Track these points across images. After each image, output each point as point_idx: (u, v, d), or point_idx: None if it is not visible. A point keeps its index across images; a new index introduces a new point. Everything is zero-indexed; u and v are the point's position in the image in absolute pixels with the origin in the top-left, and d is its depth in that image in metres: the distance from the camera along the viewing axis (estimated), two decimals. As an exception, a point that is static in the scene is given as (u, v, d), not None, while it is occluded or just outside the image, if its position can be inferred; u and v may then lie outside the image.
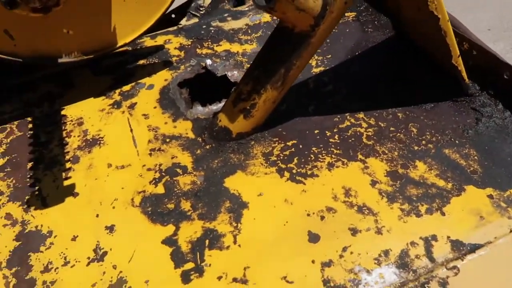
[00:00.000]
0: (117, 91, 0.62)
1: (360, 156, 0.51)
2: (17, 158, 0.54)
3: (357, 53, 0.67)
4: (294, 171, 0.50)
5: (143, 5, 0.55)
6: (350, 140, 0.54)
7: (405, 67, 0.63)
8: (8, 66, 0.63)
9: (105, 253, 0.44)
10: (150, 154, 0.53)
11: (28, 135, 0.57)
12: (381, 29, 0.71)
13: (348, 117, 0.57)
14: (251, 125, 0.52)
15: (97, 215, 0.47)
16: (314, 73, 0.64)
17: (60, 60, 0.55)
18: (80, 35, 0.54)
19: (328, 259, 0.42)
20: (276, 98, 0.50)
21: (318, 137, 0.54)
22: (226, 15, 0.75)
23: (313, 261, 0.42)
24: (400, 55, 0.65)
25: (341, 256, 0.42)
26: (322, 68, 0.64)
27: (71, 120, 0.58)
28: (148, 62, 0.66)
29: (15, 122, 0.59)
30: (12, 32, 0.51)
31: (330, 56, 0.66)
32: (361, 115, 0.57)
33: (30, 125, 0.58)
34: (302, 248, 0.43)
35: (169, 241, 0.44)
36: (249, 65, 0.64)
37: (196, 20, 0.74)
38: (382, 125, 0.55)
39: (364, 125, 0.56)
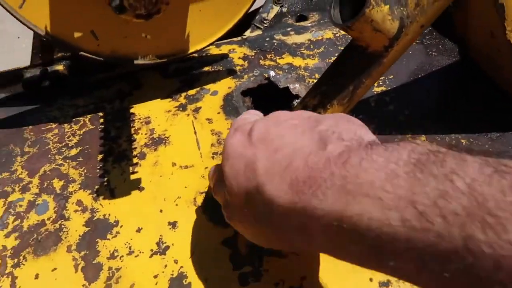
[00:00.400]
0: (183, 94, 0.65)
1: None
2: (89, 150, 0.58)
3: (419, 76, 0.67)
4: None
5: (216, 16, 0.58)
6: (411, 162, 0.53)
7: (470, 93, 0.62)
8: (84, 65, 0.68)
9: (167, 247, 0.46)
10: (213, 157, 0.55)
11: (99, 129, 0.61)
12: (446, 54, 0.70)
13: (409, 138, 0.57)
14: (313, 138, 0.53)
15: (161, 211, 0.50)
16: (375, 92, 0.64)
17: (136, 62, 0.58)
18: (156, 40, 0.58)
19: (386, 279, 0.42)
20: (341, 114, 0.51)
21: (377, 155, 0.55)
22: (289, 29, 0.77)
23: (370, 279, 0.42)
24: (465, 81, 0.64)
25: (399, 277, 0.42)
26: (383, 88, 0.65)
27: (139, 118, 0.62)
28: (213, 69, 0.69)
29: (88, 116, 0.63)
30: (97, 33, 0.54)
31: (392, 76, 0.66)
32: (423, 137, 0.57)
33: (101, 120, 0.62)
34: (360, 264, 0.43)
35: (229, 243, 0.46)
36: (310, 80, 0.66)
37: (259, 32, 0.76)
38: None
39: (425, 148, 0.55)
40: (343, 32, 0.75)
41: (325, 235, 0.25)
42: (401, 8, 0.43)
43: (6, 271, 0.45)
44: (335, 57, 0.70)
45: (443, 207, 0.19)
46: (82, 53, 0.55)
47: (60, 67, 0.67)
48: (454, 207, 0.19)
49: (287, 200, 0.26)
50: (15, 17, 0.50)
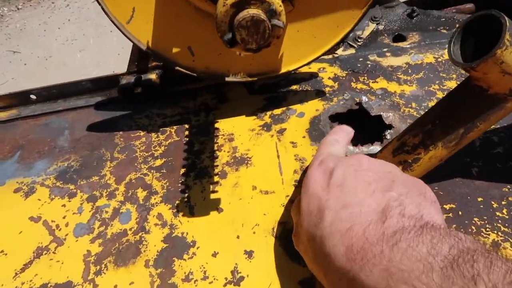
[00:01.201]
0: (268, 113, 0.63)
1: (535, 242, 0.44)
2: (173, 162, 0.59)
3: (537, 114, 0.58)
4: (450, 240, 0.45)
5: (313, 38, 0.55)
6: (523, 219, 0.46)
7: None
8: (174, 75, 0.69)
9: (242, 278, 0.45)
10: (295, 186, 0.52)
11: (184, 142, 0.61)
12: None
13: (519, 190, 0.50)
14: (408, 178, 0.48)
15: (238, 237, 0.48)
16: (482, 129, 0.57)
17: (227, 79, 0.58)
18: (249, 58, 0.57)
19: None
20: (444, 157, 0.46)
21: (481, 206, 0.48)
22: (385, 50, 0.72)
23: None
24: None
25: None
26: (492, 126, 0.57)
27: (223, 135, 0.61)
28: (300, 89, 0.67)
29: (174, 127, 0.64)
30: (193, 49, 0.55)
31: (503, 113, 0.59)
32: (537, 191, 0.49)
33: (187, 132, 0.63)
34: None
35: (307, 284, 0.43)
36: (406, 108, 0.60)
37: (352, 51, 0.72)
38: None
39: (542, 203, 0.48)
40: (446, 57, 0.68)
41: None
42: (538, 49, 0.37)
43: (89, 277, 0.46)
44: (438, 86, 0.64)
45: None
46: (177, 68, 0.55)
47: (153, 76, 0.69)
48: None
49: (341, 264, 0.31)
50: (122, 32, 0.52)
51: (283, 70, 0.59)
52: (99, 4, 0.48)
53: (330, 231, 0.33)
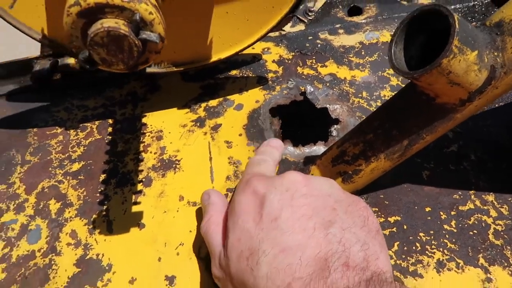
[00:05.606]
0: (203, 105, 0.56)
1: (481, 260, 0.40)
2: (92, 166, 0.51)
3: (497, 105, 0.53)
4: (391, 261, 0.41)
5: (246, 21, 0.47)
6: (471, 232, 0.42)
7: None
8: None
9: (161, 310, 0.40)
10: (226, 195, 0.47)
11: (106, 141, 0.54)
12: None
13: (472, 196, 0.45)
14: (349, 189, 0.43)
15: (159, 259, 0.43)
16: (435, 124, 0.51)
17: (148, 70, 0.49)
18: (173, 45, 0.48)
19: None
20: (387, 169, 0.40)
21: (429, 217, 0.44)
22: (337, 26, 0.64)
23: None
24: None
25: None
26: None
27: (151, 132, 0.54)
28: (241, 74, 0.59)
29: (96, 122, 0.56)
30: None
31: (460, 103, 0.53)
32: (490, 197, 0.45)
33: (110, 129, 0.55)
34: None
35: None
36: (356, 99, 0.54)
37: (302, 27, 0.64)
38: (517, 218, 0.43)
39: (493, 213, 0.44)
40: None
41: None
42: (495, 54, 0.31)
43: (-13, 313, 0.41)
44: (392, 71, 0.56)
45: None
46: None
47: (71, 60, 0.59)
48: None
49: None
50: (5, 19, 0.42)
51: (214, 58, 0.51)
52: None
53: (266, 284, 0.29)
